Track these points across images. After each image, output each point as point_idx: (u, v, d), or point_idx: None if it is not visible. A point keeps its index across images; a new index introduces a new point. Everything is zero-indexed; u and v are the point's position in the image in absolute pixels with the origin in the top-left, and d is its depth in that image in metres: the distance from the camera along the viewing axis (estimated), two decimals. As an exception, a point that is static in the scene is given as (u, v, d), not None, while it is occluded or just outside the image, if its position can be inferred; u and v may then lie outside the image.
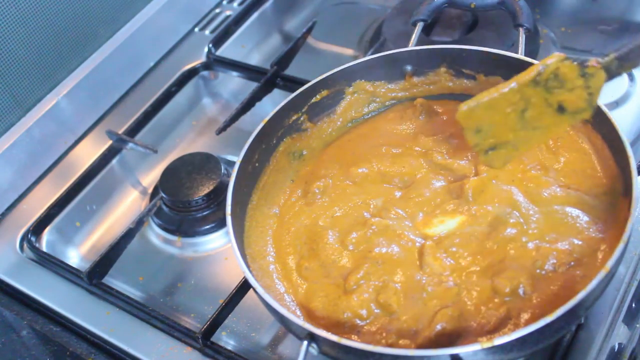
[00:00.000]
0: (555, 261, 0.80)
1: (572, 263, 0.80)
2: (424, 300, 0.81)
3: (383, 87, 1.06)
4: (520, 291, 0.79)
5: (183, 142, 1.29)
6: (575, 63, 0.80)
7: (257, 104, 1.23)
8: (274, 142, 1.01)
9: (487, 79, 1.00)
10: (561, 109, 0.82)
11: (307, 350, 0.74)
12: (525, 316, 0.77)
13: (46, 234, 1.14)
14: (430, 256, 0.84)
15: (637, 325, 0.86)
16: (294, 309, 0.86)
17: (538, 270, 0.80)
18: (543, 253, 0.81)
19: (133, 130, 1.25)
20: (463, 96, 1.02)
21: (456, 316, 0.79)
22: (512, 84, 0.82)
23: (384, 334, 0.80)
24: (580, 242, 0.82)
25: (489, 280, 0.81)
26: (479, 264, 0.83)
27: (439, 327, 0.78)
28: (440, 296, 0.81)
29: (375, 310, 0.82)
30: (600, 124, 0.87)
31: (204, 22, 1.45)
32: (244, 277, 0.82)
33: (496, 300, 0.79)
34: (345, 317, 0.82)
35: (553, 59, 0.80)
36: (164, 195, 1.11)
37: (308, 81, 1.01)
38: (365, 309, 0.82)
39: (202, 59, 1.37)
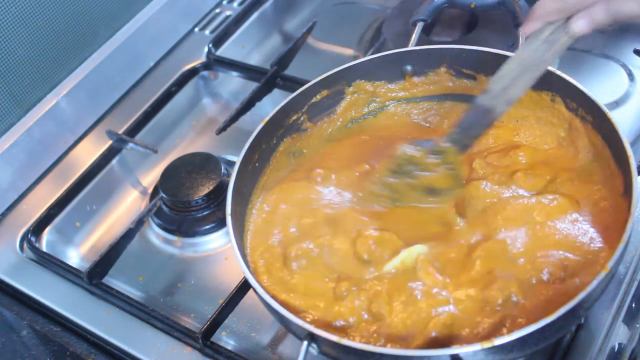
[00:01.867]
0: (549, 276, 0.80)
1: (562, 274, 0.80)
2: (416, 311, 0.81)
3: (383, 87, 1.06)
4: (513, 299, 0.79)
5: (183, 142, 1.29)
6: (418, 148, 0.90)
7: (257, 104, 1.23)
8: (274, 142, 1.01)
9: (487, 79, 1.00)
10: (432, 191, 0.89)
11: (307, 350, 0.74)
12: (519, 321, 0.77)
13: (46, 234, 1.14)
14: (422, 271, 0.84)
15: (637, 325, 0.86)
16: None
17: (533, 280, 0.80)
18: (537, 266, 0.81)
19: (133, 130, 1.25)
20: (463, 96, 1.03)
21: (449, 324, 0.78)
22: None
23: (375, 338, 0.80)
24: (576, 257, 0.81)
25: (480, 293, 0.80)
26: (470, 277, 0.82)
27: (432, 334, 0.78)
28: (433, 305, 0.81)
29: (365, 317, 0.82)
30: (600, 124, 0.87)
31: (204, 22, 1.45)
32: (244, 277, 0.82)
33: (488, 309, 0.79)
34: (336, 323, 0.82)
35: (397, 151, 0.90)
36: (164, 195, 1.11)
37: (308, 81, 1.01)
38: (355, 317, 0.82)
39: (202, 59, 1.37)
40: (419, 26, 1.09)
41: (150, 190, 1.20)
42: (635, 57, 1.14)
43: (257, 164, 0.97)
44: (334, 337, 0.72)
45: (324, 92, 1.03)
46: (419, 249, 0.85)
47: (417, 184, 0.90)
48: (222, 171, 1.12)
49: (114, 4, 1.32)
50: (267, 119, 0.97)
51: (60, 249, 1.15)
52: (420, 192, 0.90)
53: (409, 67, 1.04)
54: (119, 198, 1.22)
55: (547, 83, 0.93)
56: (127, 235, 1.07)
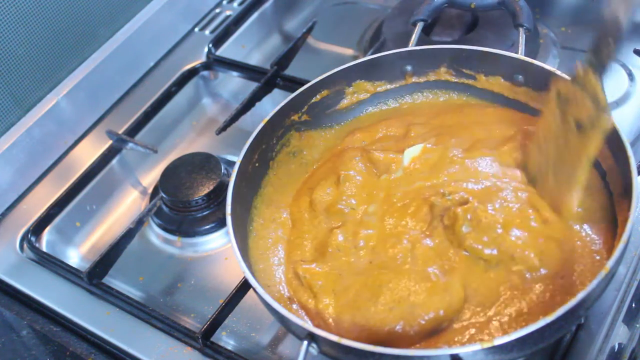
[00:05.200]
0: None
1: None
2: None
3: (383, 87, 1.06)
4: None
5: (183, 142, 1.29)
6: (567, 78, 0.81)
7: (257, 104, 1.23)
8: (274, 142, 1.01)
9: (487, 79, 1.00)
10: (579, 126, 0.79)
11: (307, 350, 0.74)
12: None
13: (46, 234, 1.14)
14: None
15: (637, 325, 0.86)
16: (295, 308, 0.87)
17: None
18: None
19: (133, 130, 1.25)
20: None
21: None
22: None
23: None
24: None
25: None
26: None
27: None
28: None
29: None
30: (601, 124, 0.87)
31: (204, 22, 1.45)
32: (244, 277, 0.82)
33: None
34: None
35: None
36: (164, 195, 1.11)
37: (308, 81, 1.01)
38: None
39: (202, 59, 1.37)
40: (419, 26, 1.09)
41: (150, 190, 1.20)
42: (635, 57, 1.14)
43: (257, 164, 0.98)
44: (334, 337, 0.72)
45: (324, 92, 1.03)
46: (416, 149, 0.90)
47: (568, 121, 0.81)
48: (222, 171, 1.12)
49: (114, 4, 1.33)
50: (267, 119, 0.97)
51: (60, 249, 1.15)
52: (570, 131, 0.81)
53: (409, 67, 1.04)
54: (119, 198, 1.22)
55: (547, 83, 0.93)
56: (127, 235, 1.07)
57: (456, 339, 0.77)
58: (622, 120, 1.01)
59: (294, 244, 0.92)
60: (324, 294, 0.84)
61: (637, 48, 1.14)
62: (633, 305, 0.87)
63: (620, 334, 0.84)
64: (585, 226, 0.83)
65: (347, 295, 0.83)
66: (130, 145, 1.22)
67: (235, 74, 1.35)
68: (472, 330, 0.77)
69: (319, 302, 0.83)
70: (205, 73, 1.36)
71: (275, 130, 1.00)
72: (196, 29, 1.44)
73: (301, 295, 0.86)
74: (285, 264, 0.91)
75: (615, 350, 0.83)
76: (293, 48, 1.29)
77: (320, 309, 0.83)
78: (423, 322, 0.77)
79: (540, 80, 0.94)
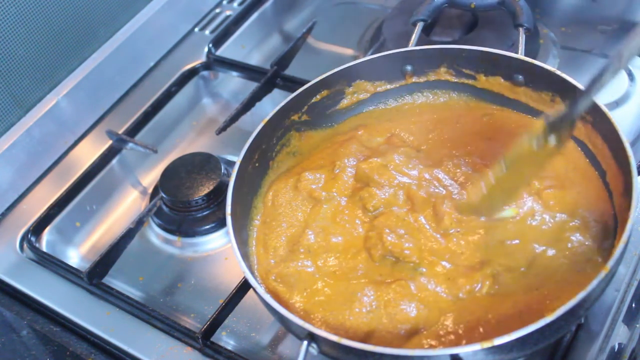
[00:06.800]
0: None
1: None
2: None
3: (383, 87, 1.06)
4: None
5: (183, 142, 1.29)
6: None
7: (257, 104, 1.23)
8: (274, 142, 1.01)
9: (487, 79, 1.00)
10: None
11: (307, 350, 0.74)
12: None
13: (46, 234, 1.14)
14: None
15: (637, 325, 0.86)
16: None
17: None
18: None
19: (133, 130, 1.25)
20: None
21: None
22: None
23: None
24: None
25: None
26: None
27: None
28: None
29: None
30: (600, 124, 0.87)
31: (204, 22, 1.45)
32: (244, 277, 0.82)
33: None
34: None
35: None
36: (164, 195, 1.11)
37: (308, 81, 1.01)
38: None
39: (202, 59, 1.37)
40: (419, 26, 1.09)
41: (150, 190, 1.20)
42: (636, 57, 1.14)
43: (257, 164, 0.98)
44: (334, 337, 0.72)
45: (324, 92, 1.03)
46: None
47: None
48: (222, 171, 1.12)
49: (114, 4, 1.33)
50: (267, 119, 0.97)
51: (60, 249, 1.15)
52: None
53: (409, 67, 1.04)
54: (119, 198, 1.22)
55: (547, 83, 0.93)
56: (127, 235, 1.07)
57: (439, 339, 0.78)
58: (622, 120, 1.01)
59: (269, 227, 0.93)
60: (296, 291, 0.86)
61: (637, 48, 1.14)
62: (633, 305, 0.87)
63: (620, 334, 0.84)
64: None
65: (319, 296, 0.84)
66: (130, 145, 1.22)
67: (235, 74, 1.35)
68: (460, 331, 0.78)
69: (290, 298, 0.85)
70: (205, 73, 1.36)
71: (275, 130, 1.00)
72: (196, 29, 1.44)
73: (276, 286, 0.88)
74: (256, 246, 0.92)
75: (615, 350, 0.83)
76: (293, 48, 1.29)
77: (290, 304, 0.85)
78: (402, 333, 0.79)
79: (540, 80, 0.94)
